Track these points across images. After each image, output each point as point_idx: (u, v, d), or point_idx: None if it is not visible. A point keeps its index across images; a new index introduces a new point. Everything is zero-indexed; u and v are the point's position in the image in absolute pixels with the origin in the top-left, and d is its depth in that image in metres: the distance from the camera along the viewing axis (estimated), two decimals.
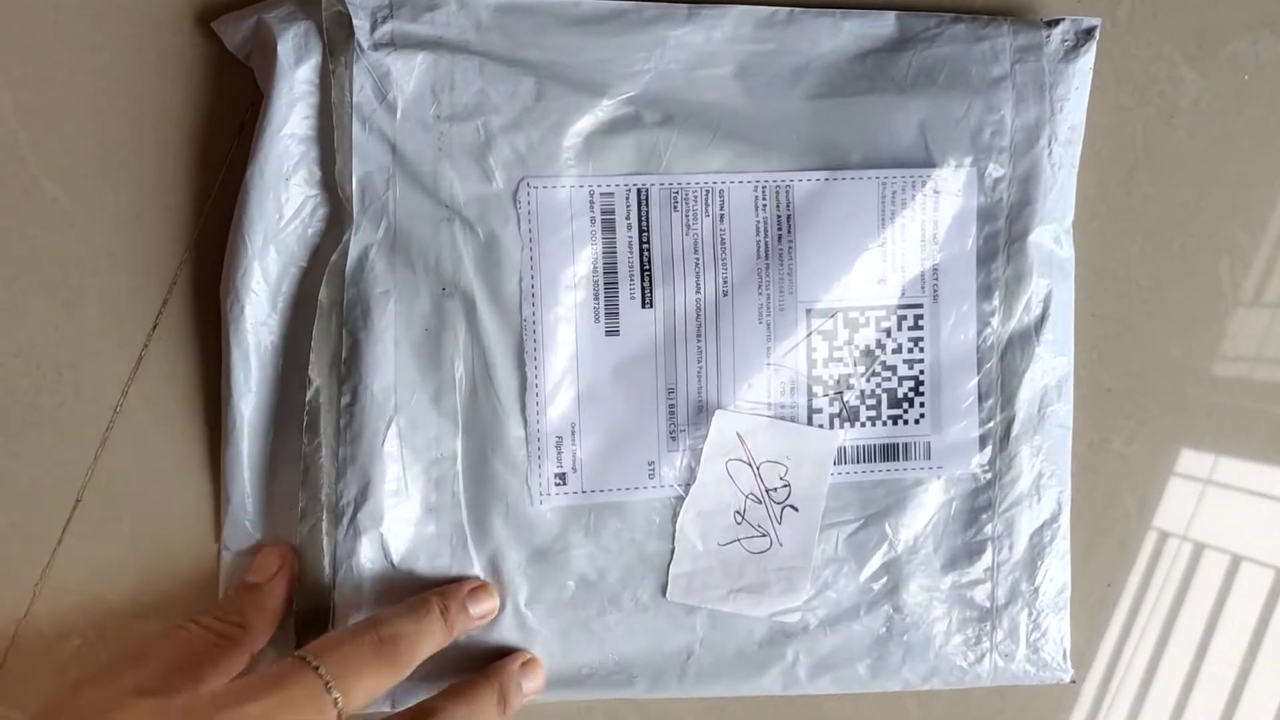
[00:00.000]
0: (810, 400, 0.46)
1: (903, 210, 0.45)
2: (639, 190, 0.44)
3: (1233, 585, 0.51)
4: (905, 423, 0.46)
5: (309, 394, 0.43)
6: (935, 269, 0.46)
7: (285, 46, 0.42)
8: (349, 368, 0.43)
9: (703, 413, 0.45)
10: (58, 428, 0.44)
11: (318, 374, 0.43)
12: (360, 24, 0.42)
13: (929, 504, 0.46)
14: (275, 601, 0.42)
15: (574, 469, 0.45)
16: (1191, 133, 0.50)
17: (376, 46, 0.42)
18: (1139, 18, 0.49)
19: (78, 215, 0.44)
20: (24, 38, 0.43)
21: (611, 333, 0.45)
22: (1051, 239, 0.46)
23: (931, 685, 0.47)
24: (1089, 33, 0.46)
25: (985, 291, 0.46)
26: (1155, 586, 0.51)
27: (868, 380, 0.46)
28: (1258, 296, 0.50)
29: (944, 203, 0.45)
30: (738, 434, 0.45)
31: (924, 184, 0.45)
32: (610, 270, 0.45)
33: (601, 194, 0.44)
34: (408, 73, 0.42)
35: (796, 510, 0.46)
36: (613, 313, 0.45)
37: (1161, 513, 0.51)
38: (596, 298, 0.45)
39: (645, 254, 0.45)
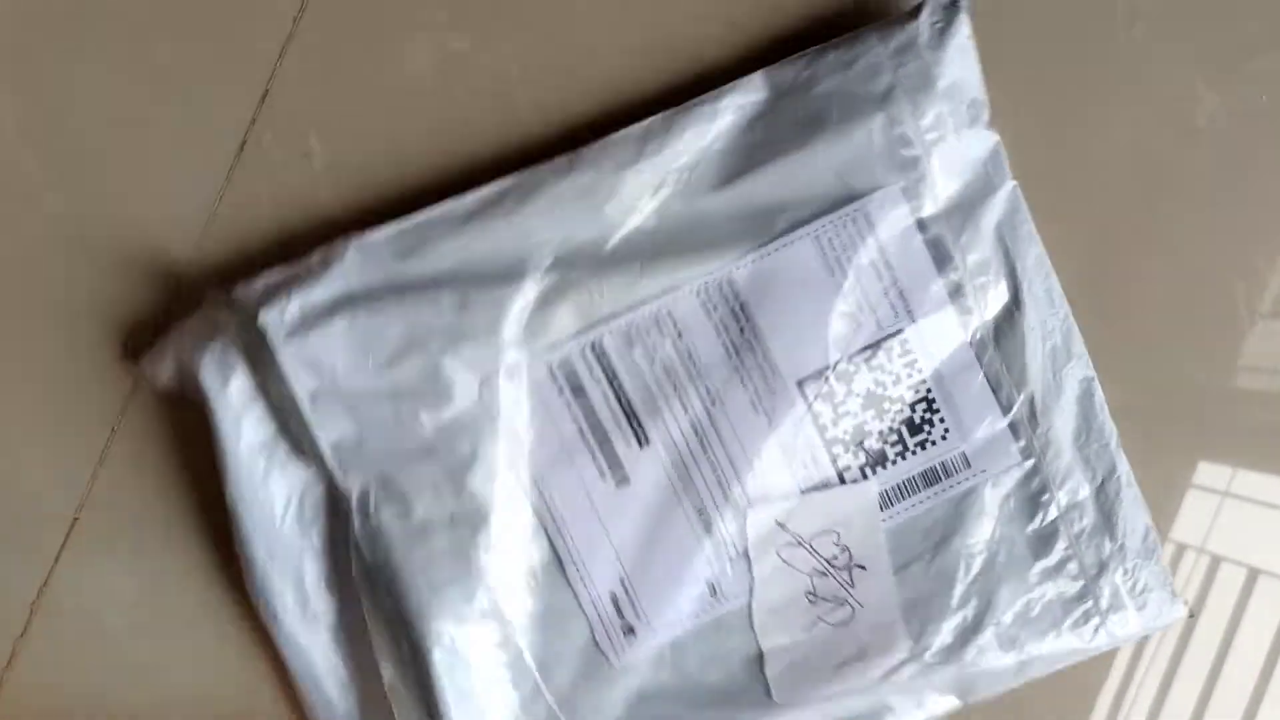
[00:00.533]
0: (835, 462, 0.46)
1: (846, 252, 0.45)
2: (593, 344, 0.45)
3: (1250, 598, 0.50)
4: (933, 443, 0.46)
5: (386, 678, 0.44)
6: (900, 292, 0.45)
7: (208, 373, 0.43)
8: (400, 624, 0.44)
9: (740, 517, 0.45)
10: (57, 440, 0.46)
11: (383, 656, 0.44)
12: (269, 320, 0.43)
13: (988, 509, 0.46)
14: None
15: (638, 617, 0.45)
16: (1209, 151, 0.49)
17: (291, 334, 0.43)
18: (1156, 37, 0.48)
19: (81, 227, 0.45)
20: (21, 48, 0.45)
21: (622, 483, 0.45)
22: (997, 209, 0.45)
23: (1061, 667, 0.47)
24: (953, 3, 0.45)
25: (956, 291, 0.45)
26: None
27: (881, 420, 0.46)
28: (1276, 309, 0.49)
29: (882, 228, 0.45)
30: (776, 523, 0.45)
31: (855, 220, 0.45)
32: (597, 428, 0.45)
33: (560, 364, 0.45)
34: (332, 345, 0.43)
35: (865, 569, 0.46)
36: (615, 464, 0.45)
37: (1179, 525, 0.50)
38: (595, 457, 0.45)
39: (623, 399, 0.45)
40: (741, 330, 0.45)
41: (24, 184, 0.45)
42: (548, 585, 0.45)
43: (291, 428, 0.44)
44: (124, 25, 0.45)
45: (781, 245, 0.45)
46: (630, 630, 0.45)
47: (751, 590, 0.46)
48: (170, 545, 0.46)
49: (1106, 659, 0.50)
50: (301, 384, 0.43)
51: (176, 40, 0.45)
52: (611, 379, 0.45)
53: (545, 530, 0.45)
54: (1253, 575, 0.50)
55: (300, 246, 0.44)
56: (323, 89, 0.45)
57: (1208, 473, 0.50)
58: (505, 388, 0.44)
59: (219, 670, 0.46)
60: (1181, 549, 0.50)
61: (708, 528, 0.46)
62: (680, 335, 0.45)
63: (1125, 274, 0.49)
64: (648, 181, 0.44)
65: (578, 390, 0.45)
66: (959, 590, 0.46)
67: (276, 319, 0.43)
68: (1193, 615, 0.47)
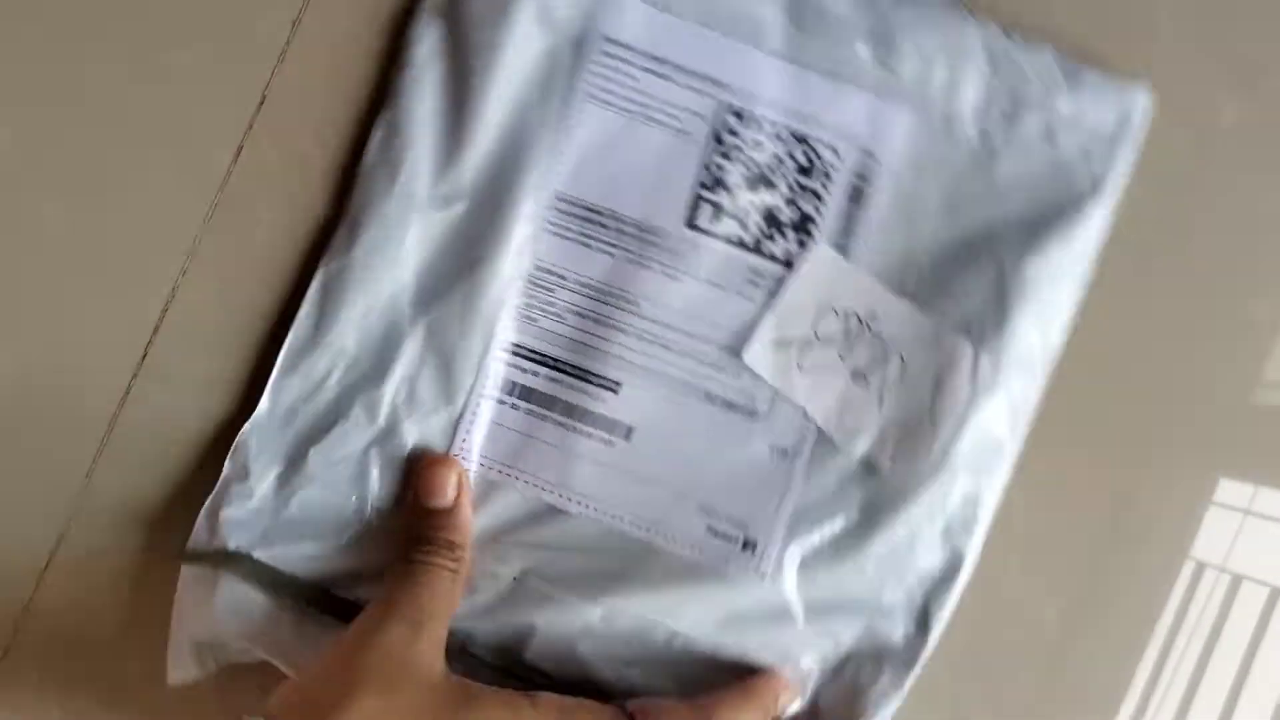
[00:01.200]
0: (774, 257, 0.43)
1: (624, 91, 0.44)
2: (508, 346, 0.44)
3: (1271, 618, 0.49)
4: (833, 166, 0.44)
5: None
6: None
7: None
8: None
9: (742, 371, 0.43)
10: (41, 459, 0.45)
11: None
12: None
13: None
14: (469, 520, 0.43)
15: (747, 528, 0.44)
16: (1229, 162, 0.48)
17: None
18: (1179, 46, 0.47)
19: (72, 237, 0.44)
20: (17, 56, 0.44)
21: (629, 434, 0.43)
22: None
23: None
24: None
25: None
26: (1191, 618, 0.48)
27: (777, 188, 0.44)
28: None
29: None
30: (774, 345, 0.43)
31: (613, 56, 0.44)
32: (567, 409, 0.44)
33: (501, 386, 0.44)
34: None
35: (877, 314, 0.43)
36: (608, 425, 0.43)
37: (1199, 543, 0.48)
38: (589, 433, 0.43)
39: (567, 368, 0.44)
40: (604, 225, 0.43)
41: None
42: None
43: None
44: None
45: (574, 125, 0.43)
46: (751, 544, 0.43)
47: (809, 418, 0.43)
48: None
49: (1124, 678, 0.48)
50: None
51: None
52: (543, 361, 0.44)
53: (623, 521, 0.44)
54: (1274, 595, 0.49)
55: None
56: None
57: (1229, 490, 0.48)
58: (475, 439, 0.44)
59: None
60: (1202, 567, 0.48)
61: (728, 406, 0.43)
62: (562, 277, 0.43)
63: (1143, 286, 0.47)
64: None
65: (526, 393, 0.44)
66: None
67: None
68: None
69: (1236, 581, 0.49)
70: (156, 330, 0.45)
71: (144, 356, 0.45)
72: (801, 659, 0.43)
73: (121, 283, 0.45)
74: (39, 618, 0.46)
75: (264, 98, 0.45)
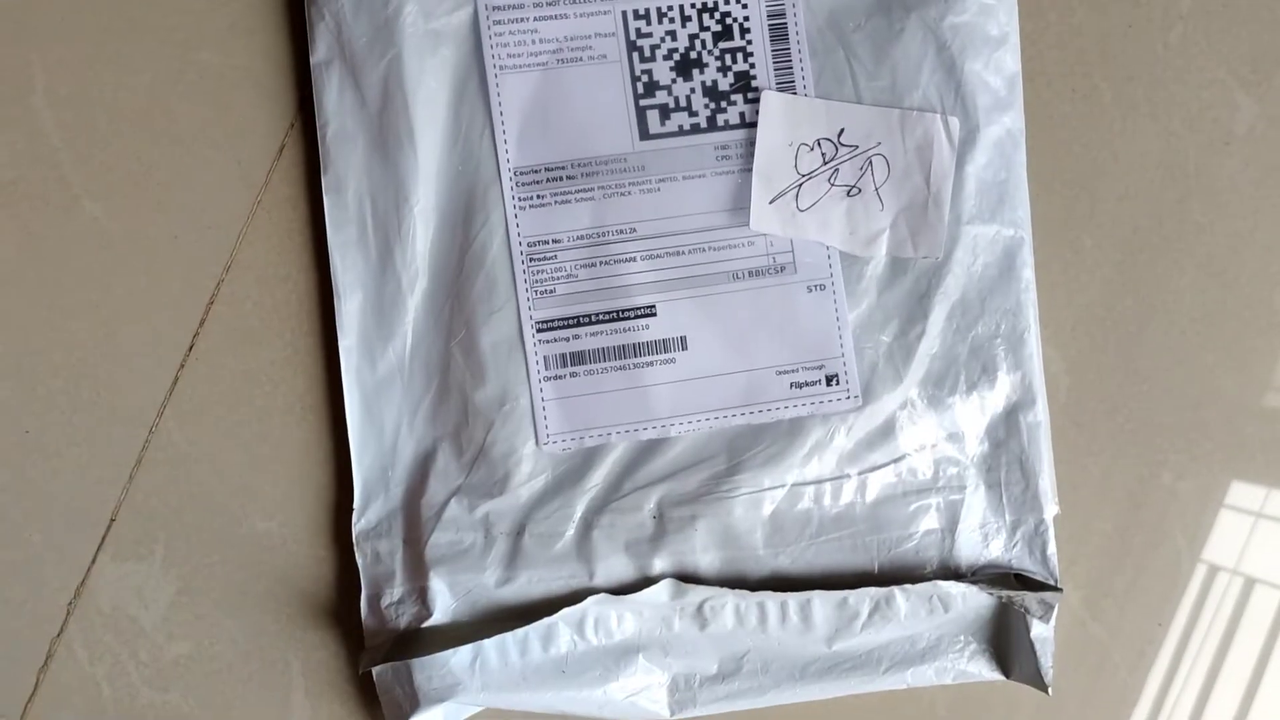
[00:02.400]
0: (731, 109, 0.45)
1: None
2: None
3: None
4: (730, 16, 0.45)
5: None
6: None
7: None
8: None
9: (752, 238, 0.45)
10: (94, 448, 0.46)
11: None
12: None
13: None
14: None
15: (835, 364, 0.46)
16: (1246, 161, 0.47)
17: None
18: (1191, 42, 0.46)
19: (117, 235, 0.46)
20: (67, 57, 0.46)
21: (682, 348, 0.45)
22: None
23: None
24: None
25: None
26: (1205, 621, 0.48)
27: (703, 46, 0.45)
28: None
29: None
30: (770, 209, 0.45)
31: None
32: (624, 351, 0.45)
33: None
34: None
35: (847, 129, 0.45)
36: (660, 348, 0.45)
37: (1211, 546, 0.48)
38: (650, 363, 0.45)
39: (603, 318, 0.45)
40: (570, 177, 0.45)
41: None
42: None
43: None
44: None
45: (501, 101, 0.45)
46: (832, 378, 0.45)
47: (828, 248, 0.45)
48: (206, 543, 0.46)
49: (1136, 684, 0.49)
50: None
51: None
52: (576, 323, 0.45)
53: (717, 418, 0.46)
54: None
55: None
56: None
57: (1241, 493, 0.48)
58: (555, 422, 0.45)
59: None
60: (1214, 570, 0.48)
61: (756, 274, 0.45)
62: (557, 241, 0.45)
63: (1153, 290, 0.48)
64: None
65: (576, 359, 0.45)
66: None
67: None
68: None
69: (1249, 584, 0.49)
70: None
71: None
72: (927, 458, 0.46)
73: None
74: None
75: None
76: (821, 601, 0.45)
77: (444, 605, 0.45)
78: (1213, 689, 0.49)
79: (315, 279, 0.46)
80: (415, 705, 0.44)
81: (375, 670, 0.44)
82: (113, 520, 0.46)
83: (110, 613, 0.46)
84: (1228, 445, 0.49)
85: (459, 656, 0.44)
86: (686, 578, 0.45)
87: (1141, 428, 0.48)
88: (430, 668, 0.43)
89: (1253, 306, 0.48)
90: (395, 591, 0.45)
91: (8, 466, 0.46)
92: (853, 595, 0.45)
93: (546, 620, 0.43)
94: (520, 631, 0.44)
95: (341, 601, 0.46)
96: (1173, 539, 0.49)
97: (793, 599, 0.45)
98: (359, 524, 0.45)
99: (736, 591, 0.44)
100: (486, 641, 0.44)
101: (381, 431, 0.45)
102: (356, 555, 0.45)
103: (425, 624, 0.44)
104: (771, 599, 0.45)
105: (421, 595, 0.45)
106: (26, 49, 0.45)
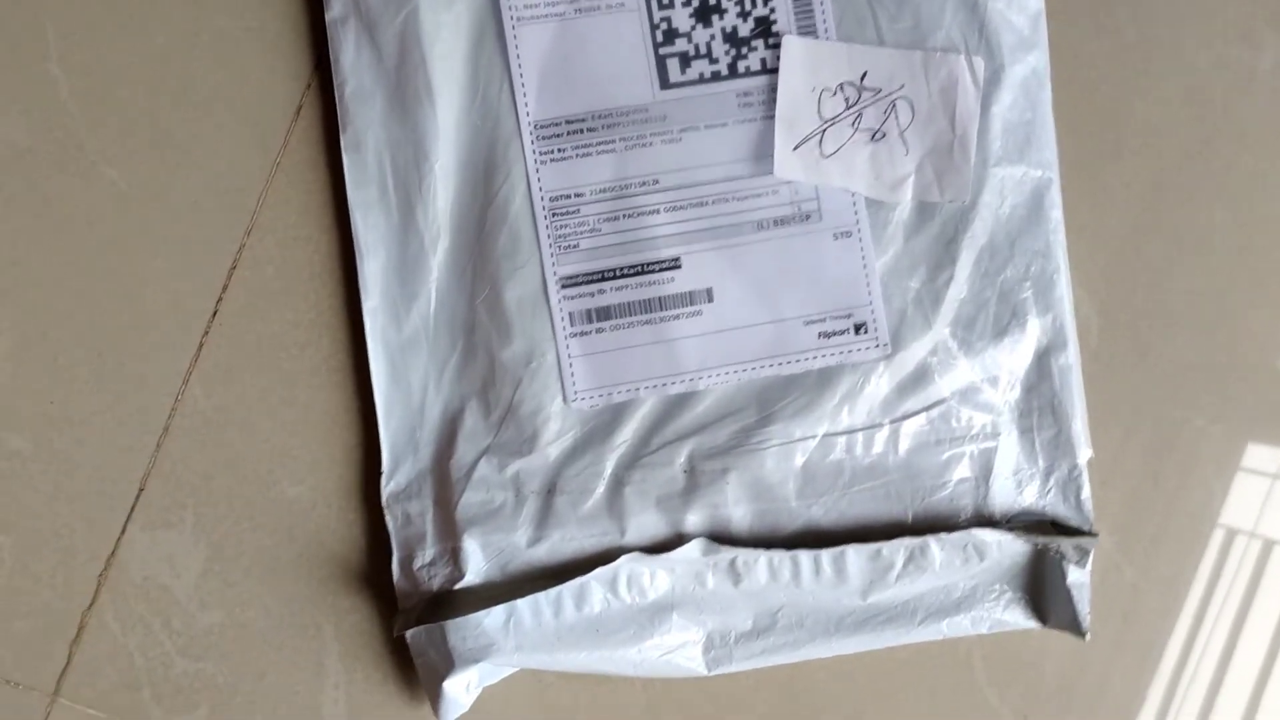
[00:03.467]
0: (754, 60, 0.44)
1: None
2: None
3: None
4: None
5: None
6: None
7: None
8: None
9: (772, 189, 0.45)
10: (120, 416, 0.45)
11: None
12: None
13: None
14: None
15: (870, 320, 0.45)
16: (1273, 98, 0.47)
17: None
18: None
19: (136, 200, 0.45)
20: (79, 23, 0.45)
21: (708, 299, 0.45)
22: None
23: None
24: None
25: None
26: (1224, 584, 0.48)
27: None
28: None
29: None
30: (790, 158, 0.45)
31: None
32: (650, 306, 0.45)
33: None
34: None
35: (869, 75, 0.44)
36: (689, 300, 0.45)
37: (1229, 509, 0.48)
38: (677, 317, 0.45)
39: (626, 272, 0.45)
40: (591, 129, 0.44)
41: None
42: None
43: None
44: None
45: (519, 54, 0.44)
46: (861, 327, 0.45)
47: (854, 194, 0.45)
48: (236, 510, 0.46)
49: (1158, 646, 0.48)
50: None
51: None
52: (601, 278, 0.45)
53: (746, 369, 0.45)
54: None
55: None
56: None
57: (1258, 456, 0.48)
58: (582, 378, 0.45)
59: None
60: (1232, 533, 0.48)
61: (781, 222, 0.45)
62: (579, 195, 0.44)
63: (1167, 254, 0.47)
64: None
65: (602, 314, 0.45)
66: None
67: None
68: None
69: (1268, 546, 0.48)
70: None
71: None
72: (959, 405, 0.46)
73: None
74: None
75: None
76: (855, 554, 0.45)
77: (476, 566, 0.44)
78: (1234, 651, 0.49)
79: (337, 240, 0.45)
80: (450, 666, 0.43)
81: (409, 633, 0.43)
82: (141, 489, 0.45)
83: (141, 583, 0.46)
84: (1242, 409, 0.48)
85: (492, 617, 0.43)
86: (719, 532, 0.45)
87: (1173, 369, 0.48)
88: (464, 629, 0.43)
89: (1263, 270, 0.48)
90: (427, 553, 0.45)
91: (34, 438, 0.45)
92: (887, 546, 0.44)
93: (579, 580, 0.43)
94: (553, 591, 0.43)
95: (373, 565, 0.46)
96: (1205, 480, 0.48)
97: (826, 553, 0.44)
98: (388, 486, 0.45)
99: (769, 551, 0.44)
100: (520, 601, 0.43)
101: (408, 393, 0.44)
102: (387, 518, 0.45)
103: (458, 585, 0.44)
104: (805, 554, 0.44)
105: (454, 556, 0.44)
106: (40, 16, 0.45)
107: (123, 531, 0.46)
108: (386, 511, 0.45)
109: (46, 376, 0.45)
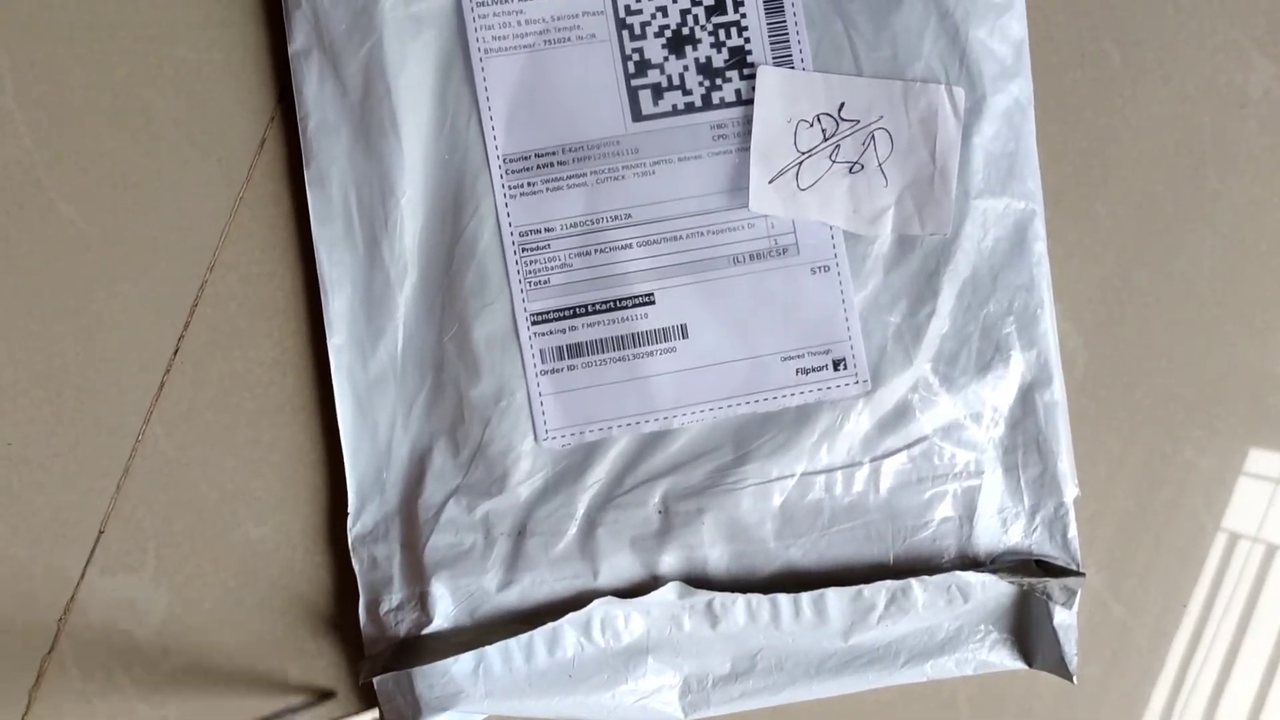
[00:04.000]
0: (727, 89, 0.43)
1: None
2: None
3: None
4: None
5: None
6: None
7: None
8: None
9: (750, 223, 0.44)
10: (79, 458, 0.44)
11: None
12: None
13: None
14: None
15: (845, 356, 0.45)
16: (1263, 124, 0.46)
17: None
18: (1204, 3, 0.45)
19: (96, 237, 0.45)
20: (34, 55, 0.44)
21: (684, 335, 0.44)
22: None
23: None
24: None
25: None
26: (1227, 590, 0.48)
27: (704, 33, 0.43)
28: None
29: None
30: (768, 186, 0.43)
31: None
32: (624, 342, 0.44)
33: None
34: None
35: (847, 100, 0.43)
36: (672, 335, 0.44)
37: (1231, 514, 0.47)
38: (646, 356, 0.44)
39: (598, 307, 0.44)
40: (561, 163, 0.43)
41: None
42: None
43: None
44: None
45: (487, 87, 0.43)
46: (840, 363, 0.44)
47: (831, 228, 0.43)
48: (199, 552, 0.45)
49: (1157, 663, 0.47)
50: None
51: None
52: (572, 314, 0.44)
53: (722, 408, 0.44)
54: None
55: None
56: None
57: (1260, 461, 0.47)
58: (553, 417, 0.44)
59: None
60: (1235, 538, 0.47)
61: (756, 257, 0.44)
62: (549, 230, 0.43)
63: (1167, 259, 0.46)
64: None
65: (574, 351, 0.44)
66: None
67: None
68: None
69: (1271, 551, 0.48)
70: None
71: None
72: (941, 442, 0.45)
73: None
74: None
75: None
76: (836, 596, 0.43)
77: (445, 610, 0.43)
78: (1238, 654, 0.48)
79: (302, 276, 0.44)
80: (418, 714, 0.42)
81: (376, 680, 0.42)
82: (101, 532, 0.44)
83: (102, 628, 0.44)
84: (1249, 416, 0.47)
85: (461, 664, 0.42)
86: (695, 573, 0.44)
87: (1161, 402, 0.47)
88: (432, 676, 0.42)
89: (1273, 273, 0.47)
90: (394, 598, 0.44)
91: None
92: (868, 588, 0.43)
93: (552, 625, 0.42)
94: (524, 636, 0.42)
95: (339, 608, 0.45)
96: (1195, 514, 0.47)
97: (805, 595, 0.43)
98: (354, 529, 0.43)
99: (747, 594, 0.43)
100: (490, 648, 0.42)
101: (375, 432, 0.43)
102: (353, 561, 0.43)
103: (426, 630, 0.43)
104: (784, 596, 0.43)
105: (421, 601, 0.43)
106: None
107: (82, 576, 0.44)
108: (353, 554, 0.44)
109: (3, 418, 0.44)
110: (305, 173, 0.43)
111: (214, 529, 0.45)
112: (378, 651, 0.44)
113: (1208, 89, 0.46)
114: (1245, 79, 0.46)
